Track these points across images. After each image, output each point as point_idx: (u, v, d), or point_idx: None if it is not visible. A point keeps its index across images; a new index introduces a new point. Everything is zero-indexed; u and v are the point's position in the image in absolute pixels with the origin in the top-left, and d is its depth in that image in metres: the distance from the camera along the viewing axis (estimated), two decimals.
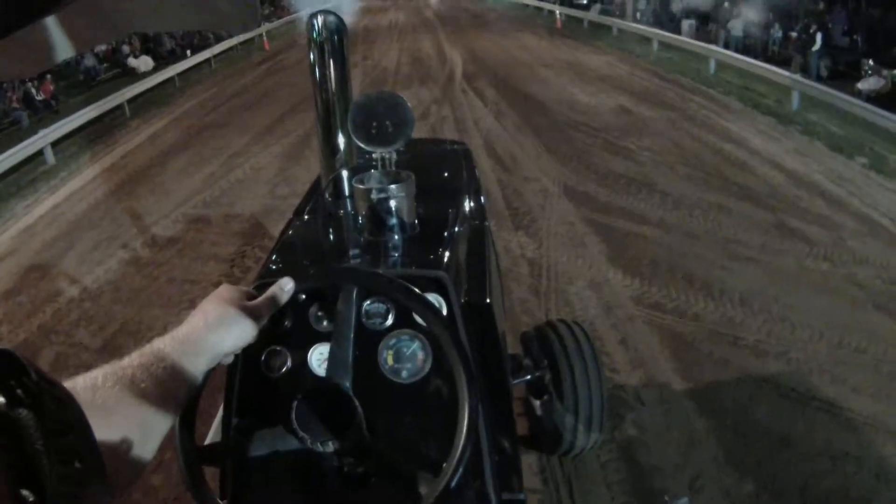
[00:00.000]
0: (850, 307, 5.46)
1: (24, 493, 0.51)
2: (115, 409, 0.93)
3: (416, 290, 1.42)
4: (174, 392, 1.05)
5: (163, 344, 1.08)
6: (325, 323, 1.75)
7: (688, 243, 6.63)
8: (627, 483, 3.76)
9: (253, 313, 1.22)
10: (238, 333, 1.19)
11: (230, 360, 1.24)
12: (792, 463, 3.87)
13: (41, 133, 11.98)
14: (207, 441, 2.89)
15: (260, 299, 1.27)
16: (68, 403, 0.62)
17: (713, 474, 3.79)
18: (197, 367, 1.11)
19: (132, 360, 1.02)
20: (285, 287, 1.32)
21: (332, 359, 1.42)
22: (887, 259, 6.21)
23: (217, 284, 5.92)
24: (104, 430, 0.87)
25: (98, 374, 0.96)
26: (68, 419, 0.60)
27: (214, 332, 1.15)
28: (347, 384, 1.38)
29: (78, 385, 0.93)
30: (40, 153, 11.77)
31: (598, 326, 5.17)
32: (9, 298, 6.62)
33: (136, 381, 0.99)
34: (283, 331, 1.75)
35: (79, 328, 5.88)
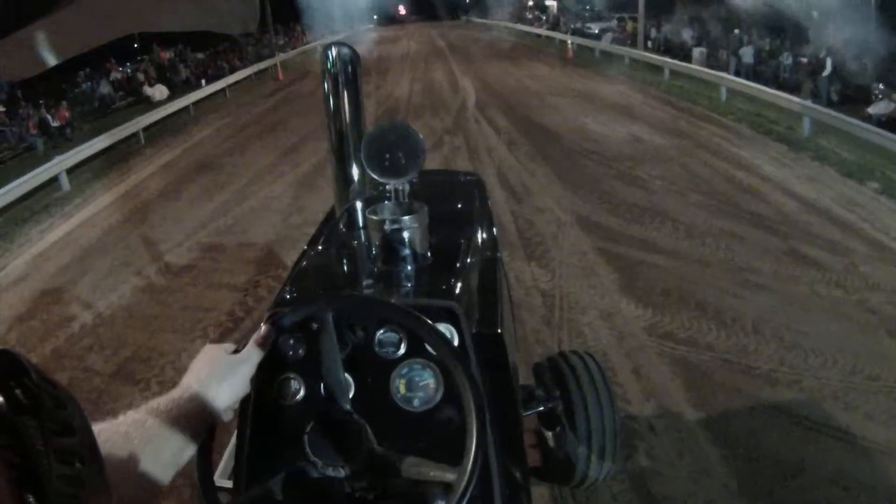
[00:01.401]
0: (863, 333, 5.43)
1: (27, 495, 0.52)
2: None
3: (426, 319, 1.44)
4: (165, 450, 1.07)
5: (160, 404, 1.11)
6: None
7: (700, 271, 6.62)
8: None
9: (241, 364, 1.27)
10: (231, 386, 1.23)
11: (230, 416, 1.27)
12: (804, 491, 3.83)
13: (56, 159, 12.12)
14: (221, 465, 2.91)
15: (244, 351, 1.32)
16: (69, 404, 0.62)
17: (725, 503, 3.77)
18: (189, 425, 1.14)
19: (127, 418, 1.04)
20: (264, 333, 1.37)
21: (329, 386, 1.44)
22: None
23: (231, 314, 5.93)
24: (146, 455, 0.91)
25: (94, 429, 0.98)
26: (68, 420, 0.60)
27: (209, 389, 1.19)
28: (347, 406, 1.40)
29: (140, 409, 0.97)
30: (55, 179, 11.90)
31: (610, 356, 5.15)
32: (22, 322, 6.67)
33: (130, 437, 1.01)
34: (296, 359, 1.77)
35: (91, 353, 5.91)
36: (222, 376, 1.22)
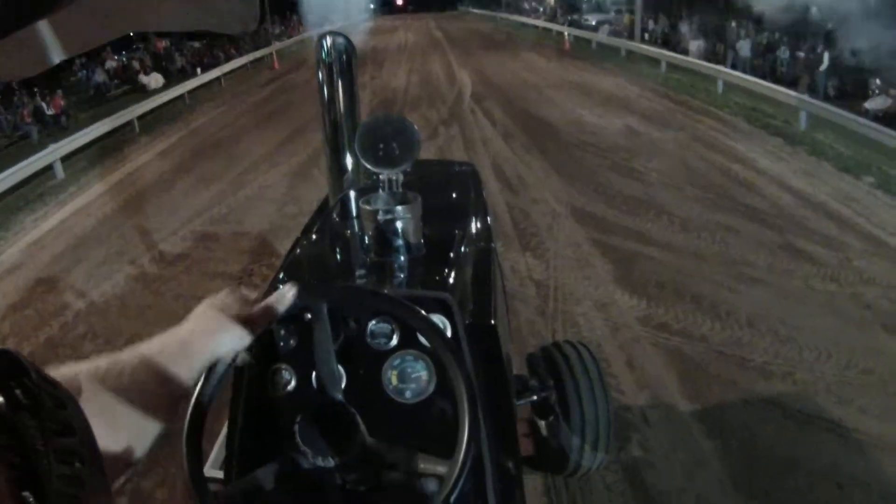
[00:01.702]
0: (857, 328, 5.44)
1: (25, 493, 0.52)
2: (108, 409, 0.93)
3: (419, 309, 1.42)
4: (159, 402, 1.03)
5: (162, 345, 1.09)
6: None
7: (695, 264, 6.62)
8: None
9: (248, 322, 1.21)
10: (230, 341, 1.18)
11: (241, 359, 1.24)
12: (798, 486, 3.84)
13: (51, 147, 12.06)
14: (212, 454, 2.90)
15: (256, 308, 1.26)
16: (69, 404, 0.62)
17: (718, 497, 3.77)
18: (188, 372, 1.10)
19: (132, 359, 1.02)
20: (287, 295, 1.31)
21: (321, 377, 1.41)
22: (895, 279, 6.19)
23: None
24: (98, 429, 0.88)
25: (97, 368, 0.97)
26: (68, 420, 0.60)
27: (208, 338, 1.15)
28: (339, 396, 1.38)
29: (81, 373, 0.95)
30: (49, 167, 11.84)
31: (604, 347, 5.15)
32: (16, 311, 6.65)
33: (131, 383, 0.98)
34: (288, 350, 1.76)
35: (85, 342, 5.89)
36: (224, 329, 1.17)
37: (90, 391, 0.94)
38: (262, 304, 1.27)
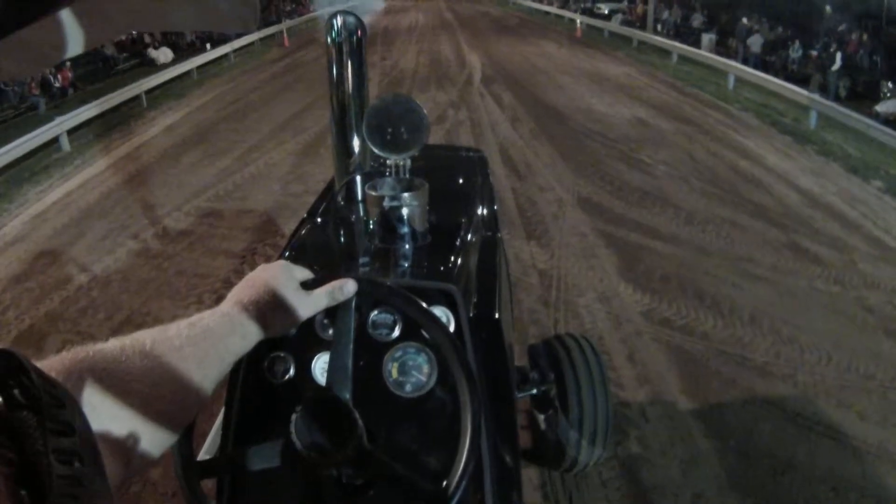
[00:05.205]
0: (860, 331, 5.42)
1: (23, 492, 0.50)
2: (160, 380, 0.93)
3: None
4: (212, 371, 1.02)
5: (211, 321, 1.05)
6: (330, 332, 1.73)
7: (699, 259, 6.59)
8: (628, 500, 3.74)
9: (304, 303, 1.18)
10: (283, 322, 1.16)
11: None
12: (794, 488, 3.83)
13: (57, 120, 12.00)
14: (207, 441, 2.89)
15: (317, 292, 1.22)
16: (69, 404, 0.61)
17: (714, 495, 3.76)
18: (236, 348, 1.08)
19: (180, 332, 0.99)
20: (345, 288, 1.27)
21: (332, 370, 1.37)
22: None
23: (227, 280, 5.88)
24: (146, 400, 0.88)
25: (147, 340, 0.95)
26: (68, 419, 0.59)
27: (261, 316, 1.11)
28: (347, 395, 1.34)
29: (126, 346, 0.93)
30: (55, 140, 11.79)
31: (606, 341, 5.14)
32: (17, 284, 6.64)
33: (184, 355, 0.97)
34: (287, 337, 1.73)
35: (86, 316, 5.88)
36: (281, 308, 1.14)
37: (155, 356, 0.94)
38: (323, 289, 1.24)
